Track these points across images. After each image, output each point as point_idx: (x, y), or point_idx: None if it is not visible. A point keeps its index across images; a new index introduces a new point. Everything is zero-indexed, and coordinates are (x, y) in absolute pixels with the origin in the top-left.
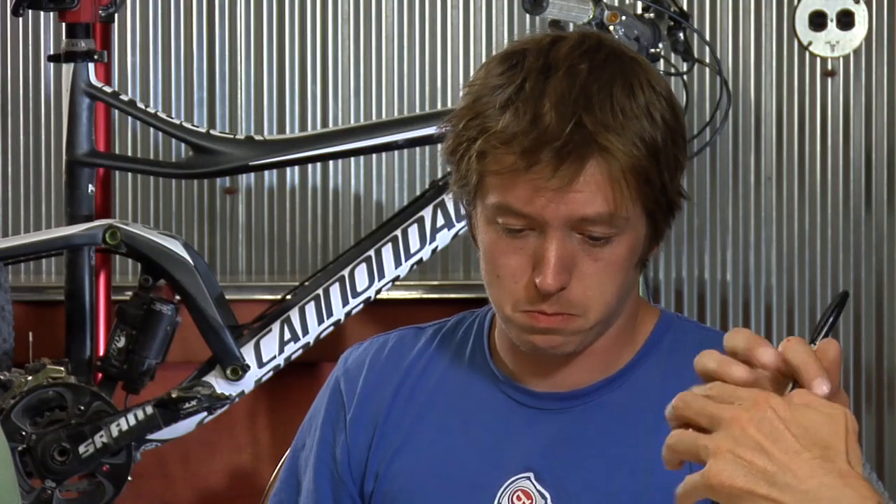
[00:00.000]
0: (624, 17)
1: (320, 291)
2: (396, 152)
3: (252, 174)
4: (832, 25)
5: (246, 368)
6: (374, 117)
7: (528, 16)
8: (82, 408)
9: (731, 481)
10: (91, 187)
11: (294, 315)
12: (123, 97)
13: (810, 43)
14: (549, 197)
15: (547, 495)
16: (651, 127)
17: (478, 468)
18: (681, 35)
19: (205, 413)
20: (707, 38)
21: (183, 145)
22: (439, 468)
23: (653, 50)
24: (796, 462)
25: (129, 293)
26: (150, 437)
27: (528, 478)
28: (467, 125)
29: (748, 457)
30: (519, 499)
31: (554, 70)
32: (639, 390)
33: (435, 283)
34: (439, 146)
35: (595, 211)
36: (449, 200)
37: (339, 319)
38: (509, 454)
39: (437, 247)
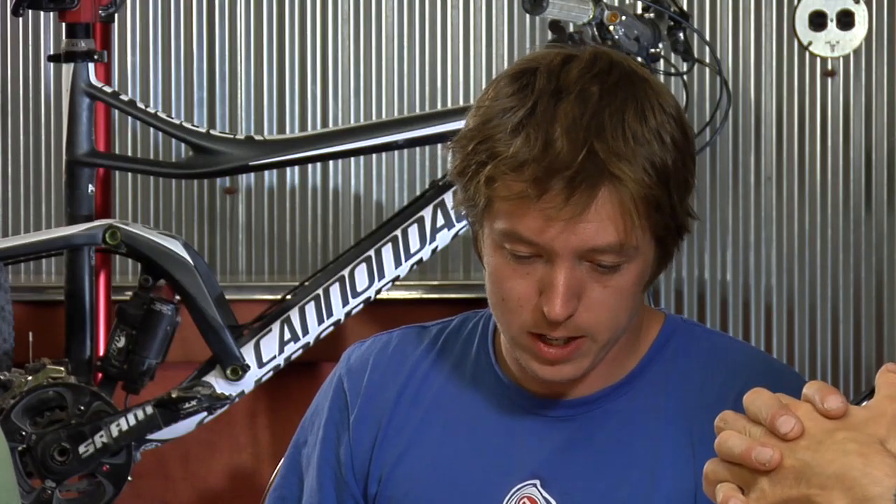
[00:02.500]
0: (624, 17)
1: (320, 291)
2: (396, 152)
3: (252, 174)
4: (832, 25)
5: (246, 368)
6: (374, 117)
7: (528, 16)
8: (82, 408)
9: (772, 496)
10: (91, 187)
11: (294, 315)
12: (123, 97)
13: (810, 43)
14: (560, 227)
15: (553, 502)
16: (661, 150)
17: (483, 474)
18: (681, 35)
19: (205, 413)
20: (707, 38)
21: (183, 145)
22: (444, 474)
23: (653, 50)
24: (820, 450)
25: (129, 293)
26: (150, 437)
27: (535, 484)
28: (476, 148)
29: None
30: None
31: (565, 93)
32: (645, 397)
33: (435, 283)
34: (440, 146)
35: (606, 241)
36: (449, 200)
37: (339, 319)
38: (515, 460)
39: (437, 247)
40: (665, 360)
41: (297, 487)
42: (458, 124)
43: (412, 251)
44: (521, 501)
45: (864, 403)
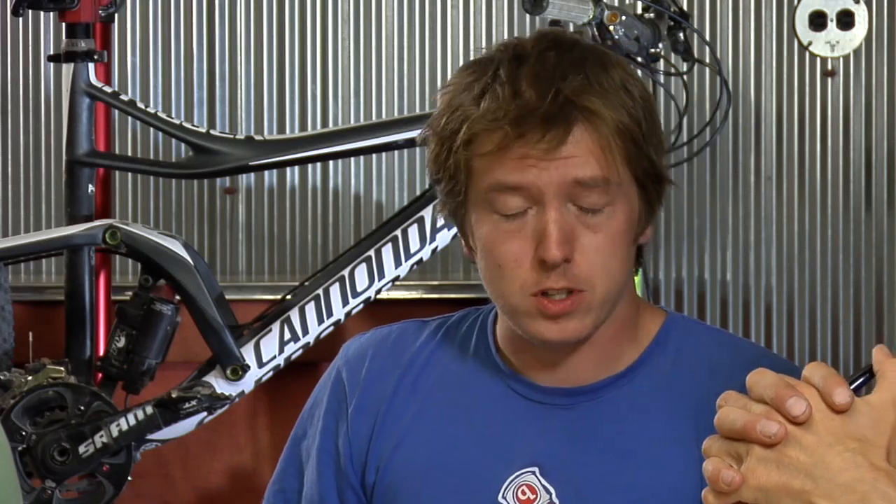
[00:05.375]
0: (624, 17)
1: (320, 291)
2: (396, 152)
3: (252, 174)
4: (832, 25)
5: (246, 368)
6: (374, 117)
7: (528, 16)
8: (82, 408)
9: (766, 477)
10: (91, 187)
11: (294, 315)
12: (123, 97)
13: (810, 43)
14: (541, 165)
15: (552, 490)
16: (630, 100)
17: (482, 462)
18: (681, 35)
19: (205, 413)
20: (707, 38)
21: (183, 145)
22: (442, 461)
23: (653, 50)
24: (830, 455)
25: (129, 293)
26: (150, 437)
27: (534, 472)
28: (448, 120)
29: (780, 449)
30: (524, 493)
31: (524, 59)
32: (647, 387)
33: (435, 283)
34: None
35: (587, 174)
36: None
37: (339, 319)
38: (514, 449)
39: (437, 247)
40: (667, 354)
41: (296, 480)
42: None
43: (412, 251)
44: (520, 489)
45: (867, 396)
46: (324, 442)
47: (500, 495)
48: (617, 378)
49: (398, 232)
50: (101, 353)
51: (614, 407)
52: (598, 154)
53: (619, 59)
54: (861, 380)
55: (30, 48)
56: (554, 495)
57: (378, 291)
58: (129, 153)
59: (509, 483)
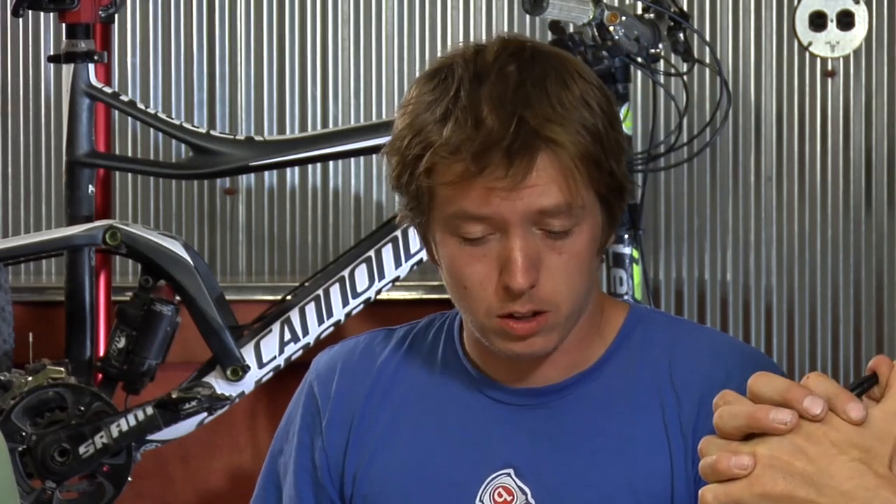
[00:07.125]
0: (624, 18)
1: (320, 292)
2: None
3: (252, 175)
4: (832, 26)
5: (246, 369)
6: (374, 117)
7: (528, 16)
8: (82, 408)
9: (772, 486)
10: (91, 188)
11: (294, 315)
12: (123, 98)
13: (810, 43)
14: (505, 196)
15: (527, 490)
16: (590, 115)
17: (457, 467)
18: (681, 35)
19: (205, 413)
20: (707, 38)
21: (183, 146)
22: (418, 469)
23: (653, 50)
24: (835, 464)
25: (129, 293)
26: (150, 437)
27: (509, 474)
28: (410, 144)
29: (786, 459)
30: (500, 496)
31: (485, 76)
32: (613, 382)
33: (435, 283)
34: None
35: (551, 203)
36: None
37: (340, 320)
38: (488, 452)
39: None
40: (631, 348)
41: (275, 497)
42: None
43: (412, 251)
44: (496, 491)
45: (871, 407)
46: (300, 457)
47: (477, 499)
48: (584, 375)
49: (398, 232)
50: (102, 353)
51: (583, 403)
52: (560, 182)
53: (578, 64)
54: (859, 389)
55: (30, 48)
56: (529, 495)
57: (378, 292)
58: (129, 154)
59: (485, 486)
